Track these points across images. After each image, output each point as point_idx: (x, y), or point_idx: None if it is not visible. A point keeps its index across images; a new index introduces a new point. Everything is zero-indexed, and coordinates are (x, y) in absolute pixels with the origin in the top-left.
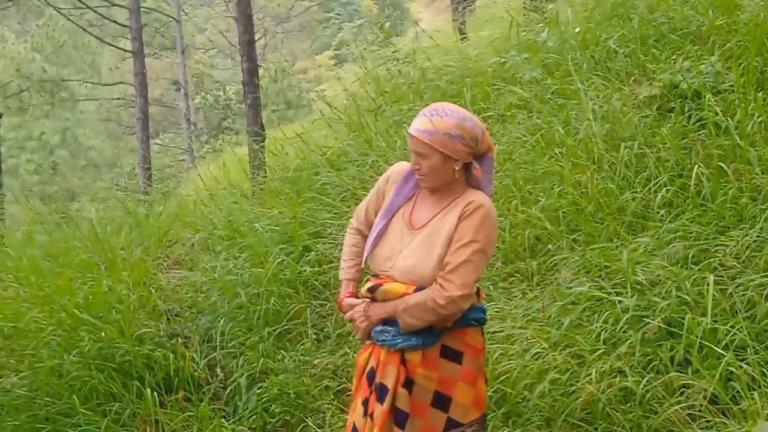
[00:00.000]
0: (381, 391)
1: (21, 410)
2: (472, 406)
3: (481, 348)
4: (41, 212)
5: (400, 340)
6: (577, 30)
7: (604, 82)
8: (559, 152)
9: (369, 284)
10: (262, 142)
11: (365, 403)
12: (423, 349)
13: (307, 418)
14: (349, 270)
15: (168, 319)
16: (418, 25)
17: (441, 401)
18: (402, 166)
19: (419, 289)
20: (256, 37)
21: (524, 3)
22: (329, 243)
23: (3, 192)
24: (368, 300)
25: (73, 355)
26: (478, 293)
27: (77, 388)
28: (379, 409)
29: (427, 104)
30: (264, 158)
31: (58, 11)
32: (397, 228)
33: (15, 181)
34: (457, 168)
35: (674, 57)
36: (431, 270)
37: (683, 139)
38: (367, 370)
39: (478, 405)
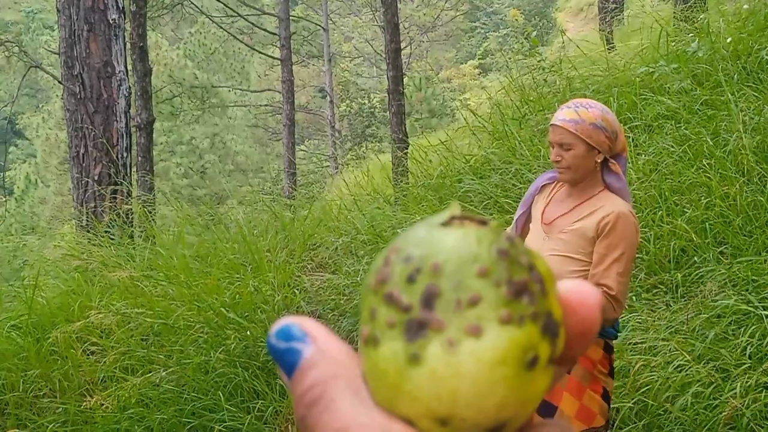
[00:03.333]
0: None
1: (169, 404)
2: (575, 419)
3: (598, 360)
4: (191, 214)
5: None
6: (728, 40)
7: (756, 94)
8: (707, 164)
9: None
10: (406, 149)
11: None
12: None
13: None
14: None
15: None
16: (564, 35)
17: (547, 410)
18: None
19: None
20: (402, 45)
21: (674, 13)
22: None
23: (155, 194)
24: None
25: (220, 353)
26: None
27: (222, 385)
28: None
29: None
30: (407, 165)
31: (211, 19)
32: (535, 228)
33: (166, 184)
34: (598, 160)
35: None
36: (568, 275)
37: None
38: None
39: (583, 418)
